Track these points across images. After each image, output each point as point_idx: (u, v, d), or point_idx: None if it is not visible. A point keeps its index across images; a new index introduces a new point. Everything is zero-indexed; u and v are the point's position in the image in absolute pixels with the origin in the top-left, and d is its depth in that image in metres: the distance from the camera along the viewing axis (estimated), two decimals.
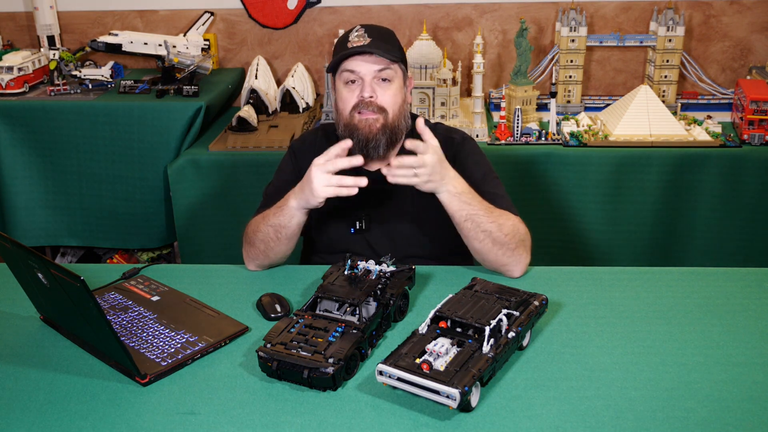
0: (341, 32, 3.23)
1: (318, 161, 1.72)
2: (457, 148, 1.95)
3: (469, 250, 1.83)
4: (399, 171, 1.71)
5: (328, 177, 1.70)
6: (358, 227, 1.94)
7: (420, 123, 1.73)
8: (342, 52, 1.84)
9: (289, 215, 1.79)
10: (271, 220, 1.82)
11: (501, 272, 1.80)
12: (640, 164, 2.73)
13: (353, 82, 1.85)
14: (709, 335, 1.57)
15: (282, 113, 3.14)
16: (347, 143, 1.74)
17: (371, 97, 1.83)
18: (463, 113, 3.04)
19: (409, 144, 1.70)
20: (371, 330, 1.53)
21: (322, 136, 2.02)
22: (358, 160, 1.73)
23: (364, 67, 1.82)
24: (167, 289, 1.79)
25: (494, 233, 1.76)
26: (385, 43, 1.84)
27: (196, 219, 2.88)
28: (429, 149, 1.70)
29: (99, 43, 3.11)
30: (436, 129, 2.00)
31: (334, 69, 1.88)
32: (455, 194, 1.75)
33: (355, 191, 1.71)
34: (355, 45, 1.82)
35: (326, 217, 1.94)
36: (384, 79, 1.84)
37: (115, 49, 3.13)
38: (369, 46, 1.81)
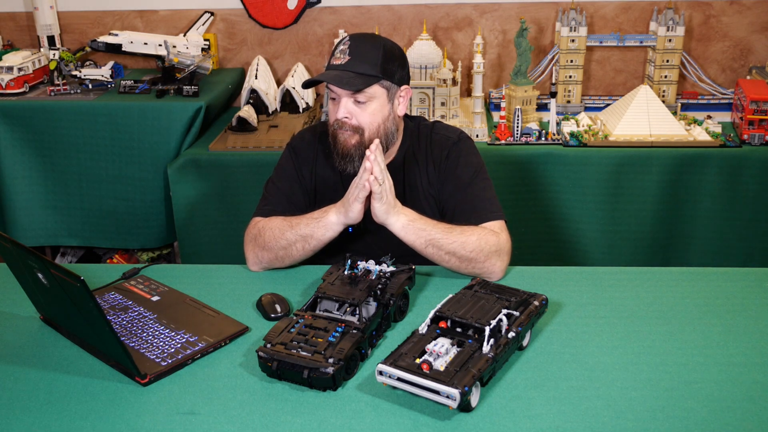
0: (341, 32, 3.25)
1: (352, 184, 1.76)
2: (451, 147, 1.95)
3: None
4: (376, 168, 1.71)
5: (358, 187, 1.74)
6: (356, 226, 1.94)
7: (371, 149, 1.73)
8: (325, 69, 1.87)
9: (325, 228, 1.80)
10: (302, 230, 1.82)
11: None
12: (640, 164, 2.73)
13: (335, 99, 1.87)
14: (709, 335, 1.57)
15: (282, 113, 3.14)
16: (373, 145, 1.75)
17: (346, 117, 1.85)
18: (463, 113, 3.04)
19: (373, 147, 1.72)
20: (371, 330, 1.53)
21: (321, 133, 2.02)
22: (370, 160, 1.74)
23: (339, 88, 1.83)
24: (167, 289, 1.79)
25: (458, 252, 1.76)
26: (363, 63, 1.82)
27: (196, 219, 2.88)
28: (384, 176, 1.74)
29: (99, 43, 3.11)
30: (434, 128, 2.01)
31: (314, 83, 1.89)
32: (408, 222, 1.77)
33: (370, 179, 1.72)
34: (334, 62, 1.84)
35: None
36: (359, 101, 1.84)
37: (115, 49, 3.13)
38: (342, 68, 1.82)
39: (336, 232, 1.81)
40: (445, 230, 1.78)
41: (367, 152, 1.73)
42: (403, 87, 1.91)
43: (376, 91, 1.84)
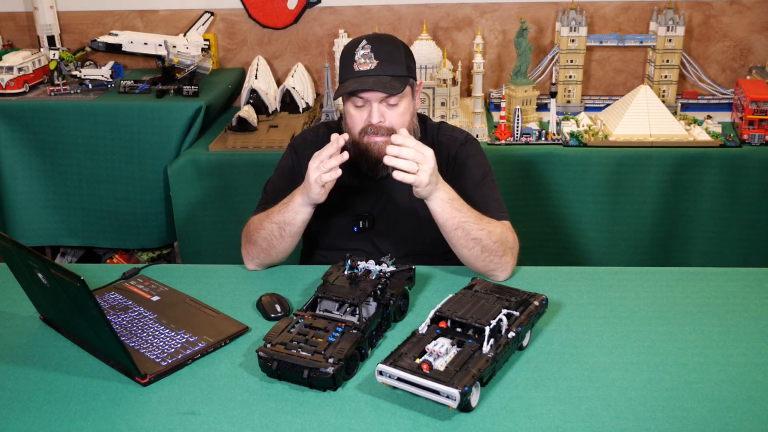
0: (341, 32, 3.25)
1: (313, 161, 1.72)
2: (459, 147, 1.96)
3: None
4: (401, 163, 1.67)
5: (320, 169, 1.71)
6: (361, 226, 1.95)
7: (404, 133, 1.70)
8: (347, 76, 1.84)
9: (294, 212, 1.80)
10: (275, 217, 1.82)
11: (486, 276, 1.80)
12: (640, 164, 2.73)
13: (361, 105, 1.85)
14: (709, 335, 1.57)
15: (282, 113, 3.14)
16: (341, 139, 1.71)
17: (380, 121, 1.83)
18: (463, 113, 3.04)
19: (398, 138, 1.68)
20: (371, 330, 1.53)
21: (323, 134, 2.03)
22: (345, 156, 1.71)
23: (370, 93, 1.82)
24: (167, 289, 1.79)
25: (484, 240, 1.76)
26: (393, 65, 1.82)
27: (196, 219, 2.88)
28: (423, 156, 1.68)
29: (99, 43, 3.11)
30: (440, 128, 2.01)
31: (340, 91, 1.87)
32: (447, 200, 1.75)
33: (339, 172, 1.70)
34: (361, 68, 1.82)
35: (330, 216, 1.94)
36: (391, 103, 1.84)
37: (115, 49, 3.13)
38: (376, 72, 1.80)
39: (306, 213, 1.80)
40: (476, 216, 1.78)
41: (334, 136, 1.71)
42: (419, 81, 1.94)
43: (405, 91, 1.85)
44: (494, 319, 1.44)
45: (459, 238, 1.77)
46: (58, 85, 3.07)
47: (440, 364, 1.35)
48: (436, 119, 2.92)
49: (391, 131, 1.83)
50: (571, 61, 3.12)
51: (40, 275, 1.46)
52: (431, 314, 1.49)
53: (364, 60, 1.83)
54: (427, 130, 2.01)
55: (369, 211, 1.94)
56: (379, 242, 1.95)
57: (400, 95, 1.83)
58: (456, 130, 2.02)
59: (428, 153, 1.69)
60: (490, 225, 1.78)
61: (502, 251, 1.77)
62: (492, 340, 1.40)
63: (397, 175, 1.69)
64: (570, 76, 3.15)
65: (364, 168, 1.86)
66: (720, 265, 2.60)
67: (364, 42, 1.85)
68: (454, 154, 1.95)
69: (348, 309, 1.55)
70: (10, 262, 1.60)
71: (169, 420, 1.35)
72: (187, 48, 3.15)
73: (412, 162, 1.68)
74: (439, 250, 1.94)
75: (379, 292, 1.57)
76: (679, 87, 3.21)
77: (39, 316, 1.69)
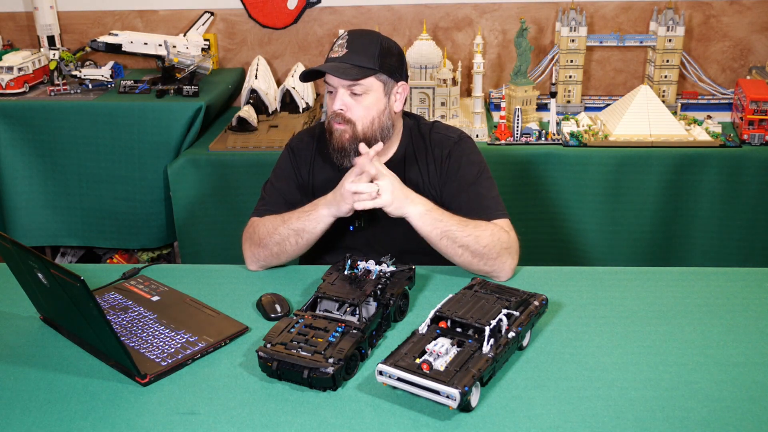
0: (341, 32, 3.24)
1: (349, 175, 1.77)
2: (452, 146, 1.95)
3: None
4: (362, 197, 1.74)
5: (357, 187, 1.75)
6: (357, 225, 1.95)
7: (365, 155, 1.77)
8: (325, 61, 1.88)
9: (316, 221, 1.81)
10: (294, 224, 1.82)
11: (488, 278, 1.80)
12: (640, 164, 2.73)
13: (331, 92, 1.88)
14: (709, 335, 1.57)
15: (282, 113, 3.14)
16: (369, 150, 1.78)
17: (341, 109, 1.85)
18: (463, 113, 3.04)
19: (363, 149, 1.77)
20: (371, 330, 1.53)
21: (320, 133, 2.03)
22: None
23: (335, 80, 1.84)
24: (167, 289, 1.79)
25: (472, 246, 1.75)
26: (360, 56, 1.83)
27: (196, 219, 2.88)
28: (381, 175, 1.75)
29: (99, 43, 3.11)
30: (434, 127, 2.01)
31: (314, 76, 1.90)
32: (424, 213, 1.76)
33: (375, 194, 1.75)
34: (332, 56, 1.85)
35: None
36: (355, 93, 1.85)
37: (115, 49, 3.13)
38: (340, 60, 1.83)
39: (327, 224, 1.82)
40: (460, 223, 1.77)
41: (360, 157, 1.76)
42: (401, 83, 1.91)
43: (373, 83, 1.85)
44: (494, 319, 1.44)
45: (446, 247, 1.77)
46: (58, 85, 3.07)
47: (440, 364, 1.35)
48: (436, 119, 2.92)
49: (349, 122, 1.85)
50: (571, 61, 3.12)
51: (40, 275, 1.46)
52: (431, 314, 1.49)
53: (338, 48, 1.86)
54: (420, 129, 2.00)
55: (365, 210, 1.94)
56: (375, 240, 1.95)
57: (365, 87, 1.83)
58: (450, 129, 2.02)
59: (383, 185, 1.75)
60: (477, 229, 1.77)
61: (495, 253, 1.77)
62: (492, 340, 1.40)
63: (357, 206, 1.75)
64: (570, 76, 3.15)
65: (333, 155, 1.90)
66: (720, 265, 2.61)
67: (345, 33, 1.88)
68: (447, 153, 1.94)
69: (348, 309, 1.55)
70: (10, 262, 1.60)
71: (169, 420, 1.35)
72: (187, 48, 3.15)
73: (371, 186, 1.74)
74: (435, 249, 1.94)
75: (379, 292, 1.57)
76: (679, 87, 3.21)
77: (39, 316, 1.69)
